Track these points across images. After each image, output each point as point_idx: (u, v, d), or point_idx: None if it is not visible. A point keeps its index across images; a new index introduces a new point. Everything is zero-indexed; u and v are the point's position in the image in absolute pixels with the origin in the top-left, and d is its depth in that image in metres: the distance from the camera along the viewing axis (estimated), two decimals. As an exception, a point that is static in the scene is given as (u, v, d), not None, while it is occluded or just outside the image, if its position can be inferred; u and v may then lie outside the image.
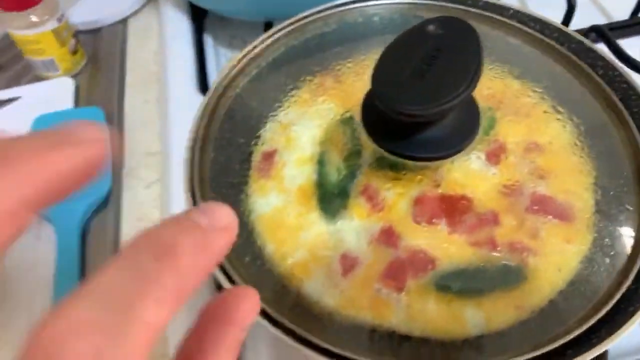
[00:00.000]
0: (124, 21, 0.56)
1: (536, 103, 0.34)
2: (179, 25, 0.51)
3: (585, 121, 0.31)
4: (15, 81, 0.52)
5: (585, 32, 0.42)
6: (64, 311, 0.12)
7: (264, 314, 0.26)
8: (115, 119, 0.47)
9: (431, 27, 0.26)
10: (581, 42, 0.33)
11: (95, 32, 0.55)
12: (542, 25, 0.35)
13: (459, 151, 0.27)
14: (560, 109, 0.33)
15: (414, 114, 0.24)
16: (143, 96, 0.49)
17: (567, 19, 0.43)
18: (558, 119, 0.33)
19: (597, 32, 0.41)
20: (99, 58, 0.53)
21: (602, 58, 0.32)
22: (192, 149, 0.31)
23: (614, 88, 0.32)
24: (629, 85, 0.31)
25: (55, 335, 0.12)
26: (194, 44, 0.49)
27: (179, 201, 0.39)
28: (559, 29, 0.35)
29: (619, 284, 0.25)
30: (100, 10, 0.55)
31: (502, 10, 0.36)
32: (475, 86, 0.24)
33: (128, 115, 0.48)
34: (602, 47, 0.41)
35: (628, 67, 0.40)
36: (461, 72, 0.24)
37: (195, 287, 0.14)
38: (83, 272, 0.39)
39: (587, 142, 0.32)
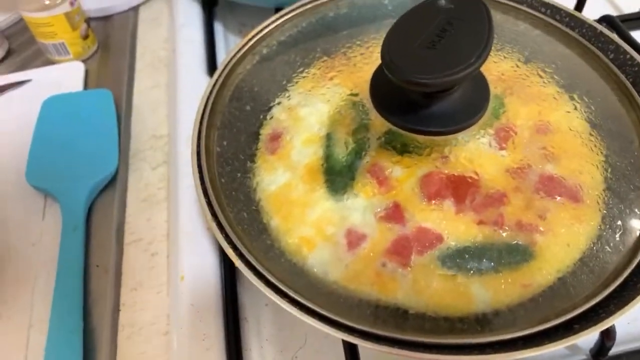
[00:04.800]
0: (135, 9, 0.56)
1: (546, 85, 0.33)
2: (190, 13, 0.51)
3: (595, 103, 0.31)
4: (27, 65, 0.52)
5: (597, 22, 0.42)
6: None
7: (271, 285, 0.26)
8: (123, 102, 0.48)
9: (442, 1, 0.26)
10: (592, 27, 0.33)
11: (106, 19, 0.56)
12: (553, 10, 0.35)
13: (467, 126, 0.27)
14: (570, 90, 0.33)
15: (425, 82, 0.23)
16: (152, 81, 0.49)
17: (578, 7, 0.43)
18: (568, 101, 0.33)
19: (609, 22, 0.41)
20: (110, 44, 0.53)
21: (613, 42, 0.32)
22: (200, 123, 0.31)
23: (624, 71, 0.31)
24: (639, 68, 0.31)
25: None
26: (204, 31, 0.49)
27: (186, 183, 0.39)
28: (570, 14, 0.34)
29: (629, 261, 0.24)
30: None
31: (514, -5, 0.36)
32: (486, 58, 0.24)
33: (137, 99, 0.48)
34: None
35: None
36: (472, 44, 0.24)
37: None
38: (87, 251, 0.39)
39: (598, 123, 0.31)
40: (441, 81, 0.24)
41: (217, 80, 0.34)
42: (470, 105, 0.28)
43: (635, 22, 0.43)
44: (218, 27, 0.52)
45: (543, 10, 0.35)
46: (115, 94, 0.47)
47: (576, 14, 0.34)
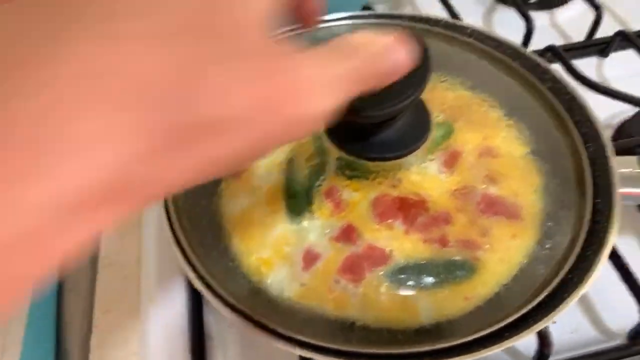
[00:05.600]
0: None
1: (490, 112, 0.36)
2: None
3: (534, 129, 0.34)
4: None
5: (542, 52, 0.45)
6: None
7: (229, 305, 0.28)
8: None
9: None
10: (531, 58, 0.36)
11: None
12: (497, 42, 0.38)
13: (411, 152, 0.29)
14: (512, 117, 0.35)
15: (368, 115, 0.26)
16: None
17: (526, 40, 0.46)
18: (510, 127, 0.35)
19: (553, 52, 0.44)
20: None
21: (549, 72, 0.35)
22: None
23: (560, 99, 0.34)
24: (572, 97, 0.34)
25: None
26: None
27: (155, 208, 0.41)
28: (512, 47, 0.37)
29: (556, 274, 0.26)
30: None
31: (461, 29, 0.39)
32: (421, 91, 0.26)
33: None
34: (557, 66, 0.44)
35: (582, 83, 0.43)
36: (411, 77, 0.26)
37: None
38: (60, 274, 0.40)
39: (535, 147, 0.34)
40: (382, 113, 0.26)
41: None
42: (415, 132, 0.30)
43: (578, 51, 0.46)
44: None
45: (489, 42, 0.38)
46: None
47: (516, 46, 0.37)
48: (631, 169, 0.31)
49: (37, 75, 0.13)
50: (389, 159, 0.29)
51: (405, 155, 0.29)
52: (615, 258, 0.34)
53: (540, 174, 0.33)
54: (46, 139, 0.13)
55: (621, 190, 0.29)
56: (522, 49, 0.37)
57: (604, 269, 0.26)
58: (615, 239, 0.27)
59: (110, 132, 0.14)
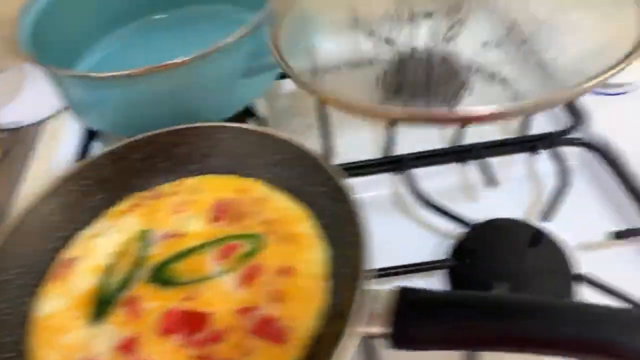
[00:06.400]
0: (40, 122, 0.64)
1: (303, 230, 0.39)
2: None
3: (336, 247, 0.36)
4: None
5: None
6: None
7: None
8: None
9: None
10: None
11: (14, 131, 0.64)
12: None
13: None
14: (322, 236, 0.38)
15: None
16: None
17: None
18: (314, 247, 0.38)
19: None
20: (10, 154, 0.61)
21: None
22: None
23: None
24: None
25: None
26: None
27: None
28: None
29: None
30: (22, 112, 0.64)
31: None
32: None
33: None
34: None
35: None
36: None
37: None
38: None
39: (334, 270, 0.36)
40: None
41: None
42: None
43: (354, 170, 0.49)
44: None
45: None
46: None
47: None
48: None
49: None
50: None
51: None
52: None
53: (327, 299, 0.35)
54: None
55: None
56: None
57: None
58: None
59: None
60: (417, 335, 0.28)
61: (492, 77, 0.43)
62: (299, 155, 0.41)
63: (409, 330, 0.29)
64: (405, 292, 0.31)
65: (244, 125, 0.43)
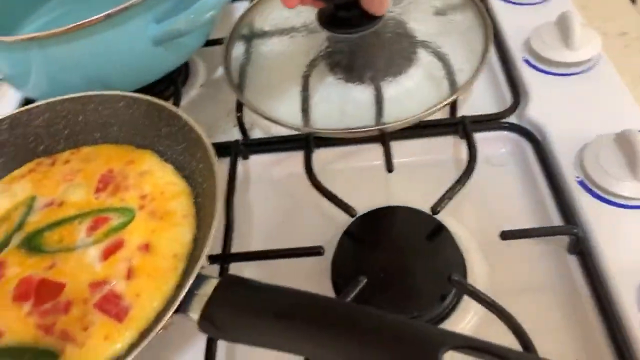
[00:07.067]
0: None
1: (176, 207, 0.38)
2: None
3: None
4: None
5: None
6: None
7: None
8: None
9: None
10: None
11: None
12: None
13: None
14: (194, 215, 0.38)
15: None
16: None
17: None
18: (181, 226, 0.37)
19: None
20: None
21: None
22: None
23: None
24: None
25: None
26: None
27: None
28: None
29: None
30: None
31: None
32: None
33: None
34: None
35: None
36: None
37: None
38: None
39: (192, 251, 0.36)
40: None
41: None
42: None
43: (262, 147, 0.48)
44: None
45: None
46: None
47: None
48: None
49: None
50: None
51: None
52: None
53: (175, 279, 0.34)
54: None
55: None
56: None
57: None
58: None
59: None
60: (217, 322, 0.28)
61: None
62: (187, 129, 0.40)
63: (213, 316, 0.28)
64: (227, 280, 0.30)
65: (135, 95, 0.42)
